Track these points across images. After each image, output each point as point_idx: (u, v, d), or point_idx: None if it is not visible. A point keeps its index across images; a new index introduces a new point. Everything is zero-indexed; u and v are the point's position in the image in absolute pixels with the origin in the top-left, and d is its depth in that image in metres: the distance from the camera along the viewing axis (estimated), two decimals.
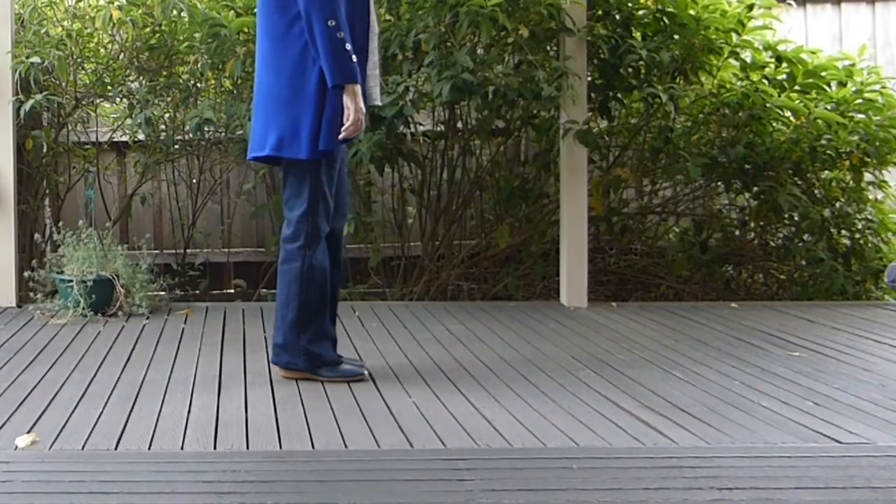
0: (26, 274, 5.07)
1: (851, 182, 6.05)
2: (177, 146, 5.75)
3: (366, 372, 3.81)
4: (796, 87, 5.85)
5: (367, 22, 3.66)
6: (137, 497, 2.60)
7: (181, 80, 5.55)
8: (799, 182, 5.96)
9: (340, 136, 3.58)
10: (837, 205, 6.05)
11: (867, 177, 6.06)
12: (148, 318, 4.89)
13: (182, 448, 3.00)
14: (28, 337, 4.47)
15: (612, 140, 6.03)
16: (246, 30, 5.28)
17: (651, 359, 4.18)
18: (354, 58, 3.54)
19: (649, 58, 5.41)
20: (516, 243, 5.86)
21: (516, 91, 5.22)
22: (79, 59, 5.54)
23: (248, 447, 3.01)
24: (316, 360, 3.74)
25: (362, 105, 3.58)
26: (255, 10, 3.87)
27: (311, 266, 3.68)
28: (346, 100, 3.55)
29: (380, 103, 3.88)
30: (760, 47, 5.88)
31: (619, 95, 5.77)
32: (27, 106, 5.12)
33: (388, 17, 5.43)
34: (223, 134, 5.63)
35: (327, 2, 3.47)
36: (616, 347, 4.39)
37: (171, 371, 3.90)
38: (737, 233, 6.18)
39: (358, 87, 3.56)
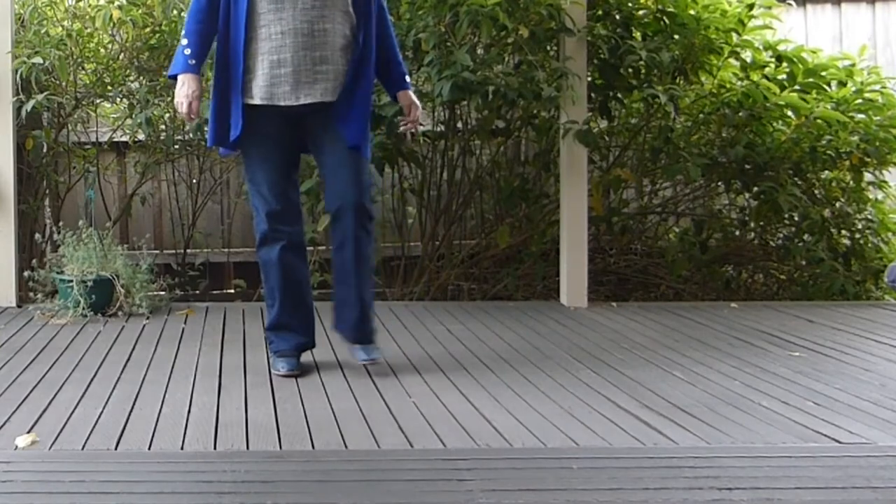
0: (26, 274, 5.06)
1: (851, 182, 6.05)
2: (177, 146, 5.76)
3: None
4: (796, 87, 5.85)
5: (244, 24, 3.73)
6: (137, 497, 2.60)
7: None
8: (799, 182, 5.96)
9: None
10: (837, 205, 6.05)
11: (867, 177, 6.06)
12: (148, 318, 4.89)
13: (182, 448, 3.00)
14: (28, 337, 4.47)
15: (612, 140, 6.03)
16: None
17: (651, 359, 4.18)
18: (188, 51, 3.77)
19: (649, 58, 5.41)
20: (516, 243, 5.86)
21: (516, 91, 5.22)
22: (79, 59, 5.54)
23: (248, 447, 3.01)
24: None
25: (181, 94, 3.80)
26: None
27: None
28: None
29: (290, 102, 3.76)
30: (760, 47, 5.89)
31: (619, 95, 5.77)
32: (28, 107, 5.12)
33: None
34: None
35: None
36: (616, 347, 4.39)
37: (171, 371, 3.90)
38: (737, 233, 6.18)
39: (181, 78, 3.80)
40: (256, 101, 3.76)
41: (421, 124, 5.57)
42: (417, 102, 4.04)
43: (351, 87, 3.82)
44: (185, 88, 3.80)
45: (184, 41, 3.80)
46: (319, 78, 3.77)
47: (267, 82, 3.75)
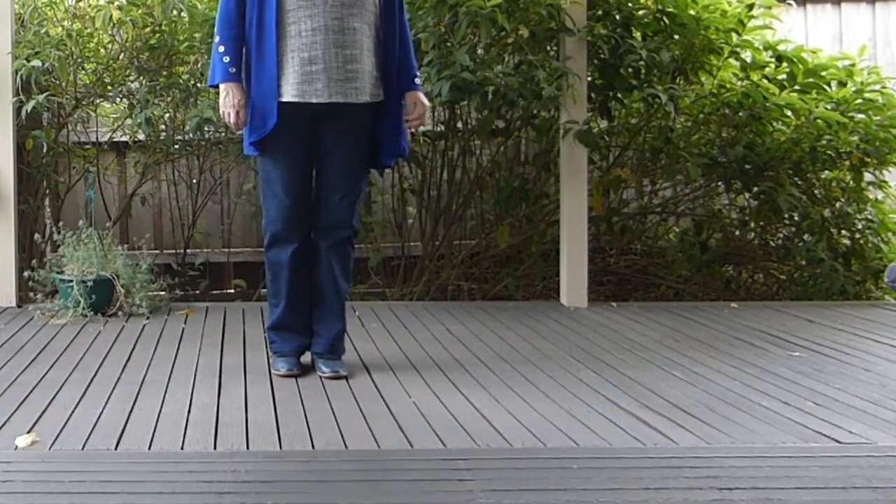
0: (26, 274, 5.06)
1: (851, 182, 6.04)
2: (177, 146, 5.75)
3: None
4: (796, 87, 5.85)
5: (266, 23, 3.70)
6: (137, 497, 2.60)
7: (181, 80, 5.54)
8: (799, 182, 5.96)
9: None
10: (837, 205, 6.04)
11: (867, 177, 6.06)
12: (148, 318, 4.89)
13: (182, 448, 3.00)
14: (28, 337, 4.47)
15: (612, 140, 6.03)
16: None
17: (651, 359, 4.18)
18: (227, 58, 3.72)
19: (649, 58, 5.41)
20: (516, 243, 5.85)
21: (516, 91, 5.22)
22: (79, 59, 5.54)
23: (248, 447, 3.01)
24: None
25: (226, 104, 3.73)
26: None
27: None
28: None
29: (322, 100, 3.72)
30: (760, 47, 5.88)
31: (619, 95, 5.77)
32: (28, 107, 5.12)
33: None
34: (223, 134, 5.63)
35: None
36: (616, 347, 4.39)
37: (171, 371, 3.90)
38: (737, 233, 6.18)
39: (223, 87, 3.73)
40: (287, 98, 3.70)
41: (421, 124, 5.59)
42: (426, 102, 3.93)
43: (393, 104, 3.85)
44: (229, 98, 3.72)
45: (220, 48, 3.73)
46: (350, 77, 3.74)
47: (298, 79, 3.70)
